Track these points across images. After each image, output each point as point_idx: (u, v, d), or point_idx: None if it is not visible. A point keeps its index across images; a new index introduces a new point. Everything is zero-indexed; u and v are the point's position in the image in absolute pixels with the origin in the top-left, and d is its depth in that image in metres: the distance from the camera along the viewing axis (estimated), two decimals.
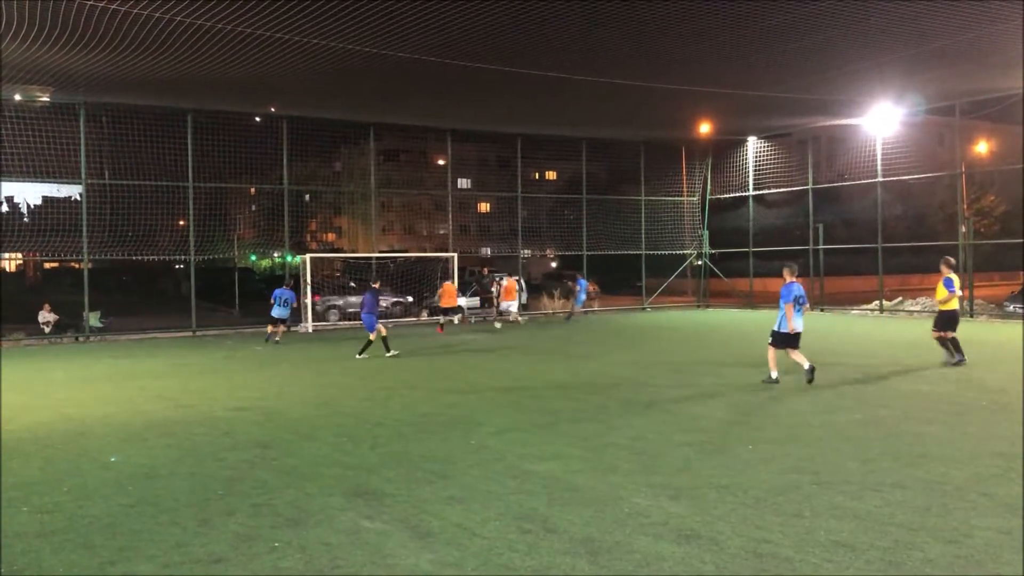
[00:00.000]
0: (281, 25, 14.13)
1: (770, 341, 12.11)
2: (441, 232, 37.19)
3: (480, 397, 11.35)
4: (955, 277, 13.71)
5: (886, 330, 21.07)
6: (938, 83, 21.29)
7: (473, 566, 4.85)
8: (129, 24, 13.87)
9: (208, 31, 14.36)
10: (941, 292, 13.80)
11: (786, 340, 11.93)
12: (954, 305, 13.71)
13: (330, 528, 5.60)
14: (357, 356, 16.23)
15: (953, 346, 13.65)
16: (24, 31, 14.17)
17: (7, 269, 44.60)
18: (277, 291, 20.02)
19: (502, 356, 16.75)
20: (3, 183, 22.50)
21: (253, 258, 39.57)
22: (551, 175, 51.62)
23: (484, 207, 41.35)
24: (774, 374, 11.93)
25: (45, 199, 38.54)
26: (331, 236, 51.61)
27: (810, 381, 11.64)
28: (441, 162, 34.50)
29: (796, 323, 11.86)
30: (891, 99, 23.61)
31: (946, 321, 13.77)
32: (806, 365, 11.77)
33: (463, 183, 42.73)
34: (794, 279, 11.95)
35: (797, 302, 11.84)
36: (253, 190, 30.50)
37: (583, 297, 27.33)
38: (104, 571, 4.91)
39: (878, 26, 15.45)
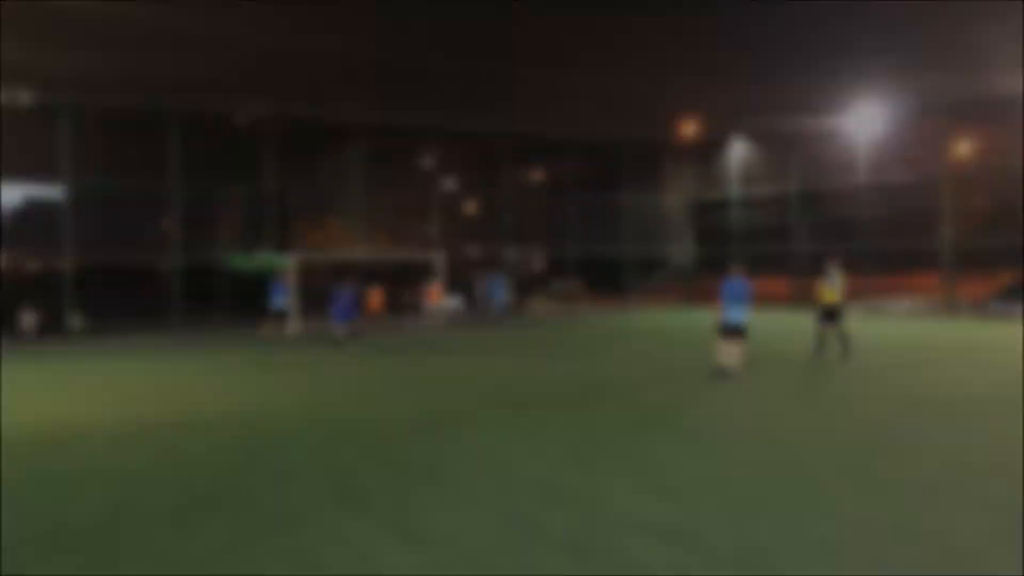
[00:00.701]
0: (267, 23, 14.05)
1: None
2: (426, 233, 37.06)
3: (467, 398, 11.33)
4: (832, 276, 14.67)
5: (871, 330, 21.19)
6: (923, 83, 21.44)
7: (459, 568, 4.83)
8: (113, 24, 13.75)
9: (193, 30, 14.26)
10: (820, 288, 14.85)
11: (727, 331, 12.41)
12: (828, 299, 14.65)
13: (316, 531, 5.57)
14: (339, 349, 16.19)
15: (839, 339, 14.68)
16: (8, 31, 14.03)
17: None
18: (275, 284, 21.43)
19: (490, 357, 16.73)
20: None
21: (237, 260, 39.33)
22: (537, 175, 51.54)
23: (470, 207, 41.16)
24: (724, 365, 12.43)
25: (27, 200, 38.09)
26: (316, 236, 51.31)
27: (718, 376, 12.25)
28: (427, 162, 34.36)
29: (736, 316, 12.31)
30: (876, 99, 23.76)
31: (823, 314, 14.82)
32: (726, 363, 12.35)
33: (449, 184, 42.55)
34: (740, 276, 12.51)
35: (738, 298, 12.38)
36: (238, 191, 30.24)
37: (501, 295, 26.98)
38: (87, 575, 4.87)
39: (864, 26, 15.54)
